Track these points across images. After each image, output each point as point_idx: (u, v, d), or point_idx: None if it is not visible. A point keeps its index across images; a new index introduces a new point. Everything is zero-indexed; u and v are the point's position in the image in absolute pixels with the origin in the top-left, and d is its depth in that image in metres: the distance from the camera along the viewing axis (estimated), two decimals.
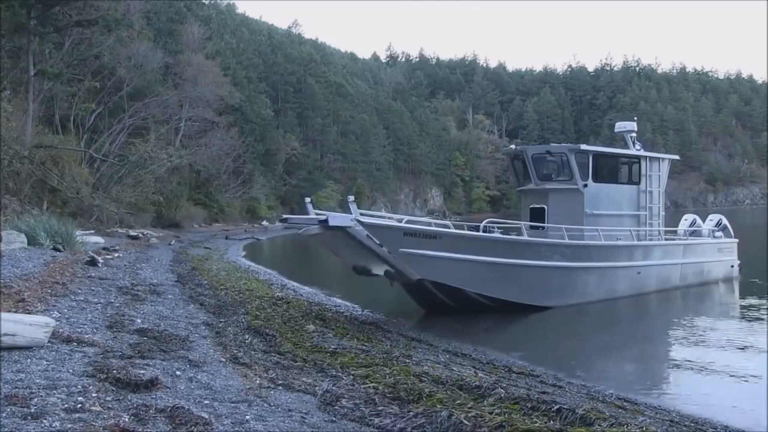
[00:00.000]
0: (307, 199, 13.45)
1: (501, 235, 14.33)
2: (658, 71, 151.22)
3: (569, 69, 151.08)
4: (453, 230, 13.58)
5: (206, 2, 78.84)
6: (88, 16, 31.70)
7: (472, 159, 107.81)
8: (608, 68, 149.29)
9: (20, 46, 29.50)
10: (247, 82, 65.87)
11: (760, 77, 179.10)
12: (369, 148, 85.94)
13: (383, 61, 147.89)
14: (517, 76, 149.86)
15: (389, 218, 14.37)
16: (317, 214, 12.74)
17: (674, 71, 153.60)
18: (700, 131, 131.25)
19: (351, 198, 11.86)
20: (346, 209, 12.53)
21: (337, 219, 11.15)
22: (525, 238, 14.09)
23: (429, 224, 14.48)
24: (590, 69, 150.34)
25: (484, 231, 14.08)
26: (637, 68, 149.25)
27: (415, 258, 12.17)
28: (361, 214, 11.82)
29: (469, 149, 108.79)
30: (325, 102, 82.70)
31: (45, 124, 33.47)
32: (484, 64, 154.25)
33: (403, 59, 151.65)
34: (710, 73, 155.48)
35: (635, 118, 21.22)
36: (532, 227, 15.13)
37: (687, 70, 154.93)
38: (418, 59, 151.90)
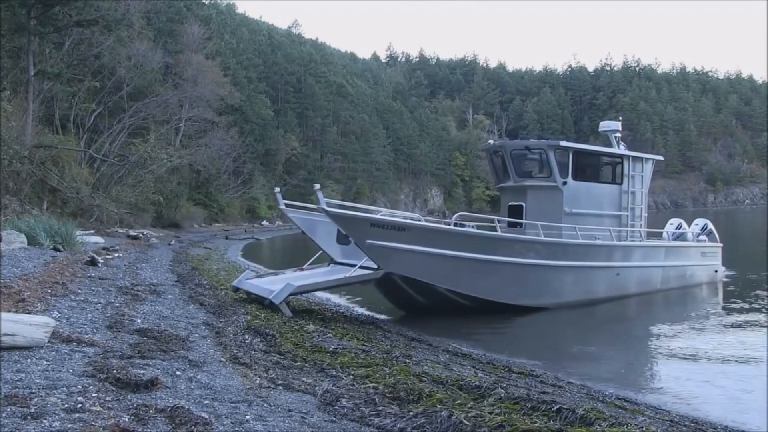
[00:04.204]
0: (277, 189, 14.43)
1: (472, 230, 13.83)
2: (658, 71, 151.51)
3: (569, 69, 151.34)
4: (422, 223, 13.24)
5: (206, 2, 78.88)
6: (88, 16, 31.71)
7: (472, 159, 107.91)
8: (608, 68, 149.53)
9: (20, 46, 29.51)
10: (247, 82, 65.93)
11: (760, 77, 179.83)
12: (369, 148, 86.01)
13: (383, 61, 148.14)
14: (517, 76, 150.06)
15: (366, 211, 14.31)
16: (287, 205, 13.97)
17: (674, 71, 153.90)
18: (700, 131, 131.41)
19: (317, 186, 11.42)
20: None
21: (279, 295, 10.84)
22: (497, 233, 13.64)
23: (404, 218, 13.85)
24: (590, 69, 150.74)
25: (455, 226, 13.67)
26: (637, 68, 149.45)
27: (383, 250, 11.76)
28: (328, 204, 11.49)
29: (469, 149, 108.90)
30: (325, 102, 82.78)
31: (45, 124, 33.47)
32: (484, 64, 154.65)
33: (403, 59, 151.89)
34: (710, 73, 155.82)
35: (620, 118, 20.26)
36: (509, 225, 14.76)
37: (687, 70, 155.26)
38: (418, 59, 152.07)
